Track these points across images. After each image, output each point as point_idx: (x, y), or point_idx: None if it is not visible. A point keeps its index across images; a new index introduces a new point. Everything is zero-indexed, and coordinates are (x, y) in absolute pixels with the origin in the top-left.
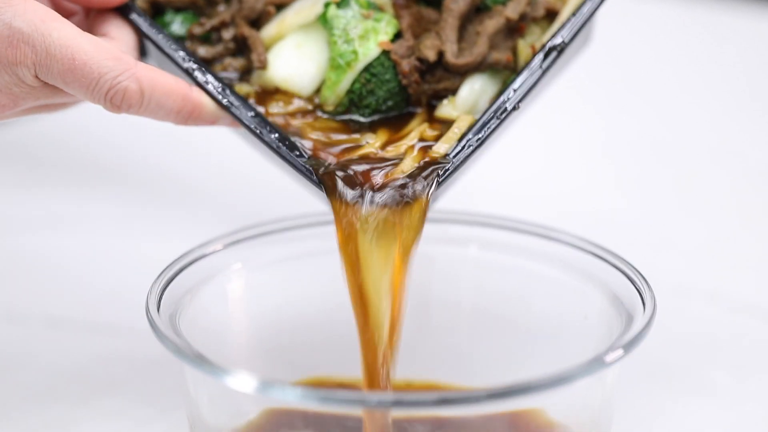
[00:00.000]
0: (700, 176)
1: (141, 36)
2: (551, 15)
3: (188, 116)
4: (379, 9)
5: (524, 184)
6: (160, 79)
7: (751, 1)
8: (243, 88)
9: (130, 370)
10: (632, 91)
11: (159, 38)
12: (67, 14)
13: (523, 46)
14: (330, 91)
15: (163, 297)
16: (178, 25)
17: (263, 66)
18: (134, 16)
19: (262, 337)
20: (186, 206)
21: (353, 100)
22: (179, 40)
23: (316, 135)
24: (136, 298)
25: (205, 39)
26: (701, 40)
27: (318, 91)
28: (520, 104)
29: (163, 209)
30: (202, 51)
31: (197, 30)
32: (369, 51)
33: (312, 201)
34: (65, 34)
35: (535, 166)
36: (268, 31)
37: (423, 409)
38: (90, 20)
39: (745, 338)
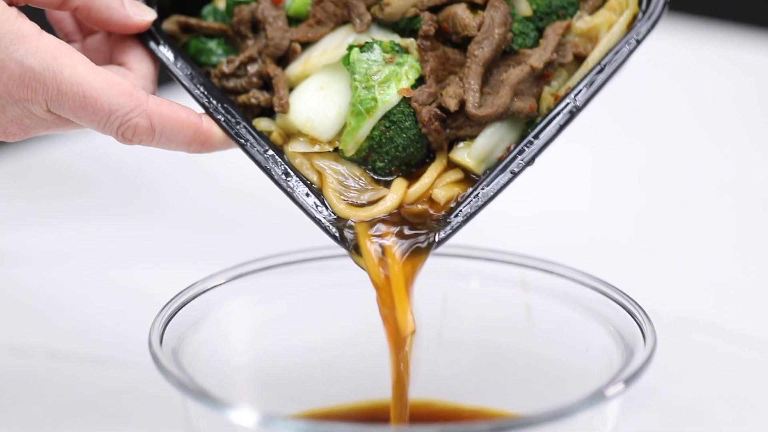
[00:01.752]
0: (701, 208)
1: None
2: (579, 58)
3: (200, 147)
4: (404, 50)
5: (526, 213)
6: (171, 114)
7: (763, 35)
8: (262, 123)
9: (133, 403)
10: (638, 123)
11: (177, 70)
12: (89, 32)
13: (546, 93)
14: (350, 137)
15: (166, 330)
16: (213, 44)
17: (284, 110)
18: (153, 46)
19: (265, 370)
20: (189, 240)
21: (373, 146)
22: (199, 66)
23: (334, 184)
24: (139, 332)
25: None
26: (715, 72)
27: (340, 133)
28: (534, 160)
29: (166, 242)
30: (226, 81)
31: (226, 68)
32: (389, 98)
33: (315, 235)
34: (77, 72)
35: (537, 197)
36: (294, 69)
37: None
38: (111, 43)
39: (745, 371)
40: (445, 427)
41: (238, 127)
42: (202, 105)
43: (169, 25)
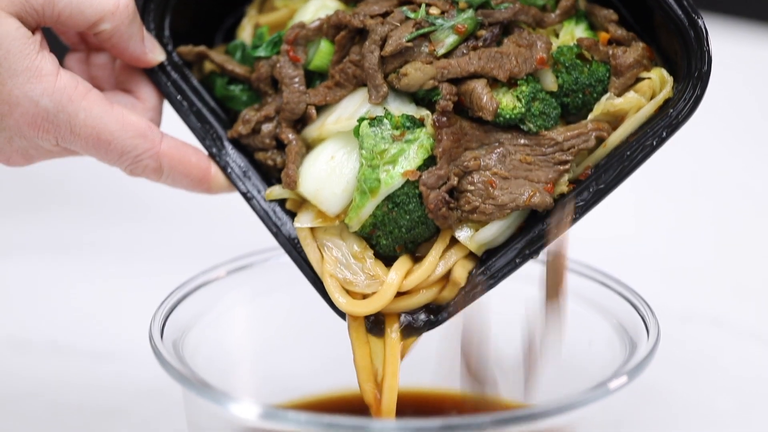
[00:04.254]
0: (706, 204)
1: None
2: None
3: (204, 191)
4: (420, 121)
5: None
6: (182, 158)
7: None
8: (275, 191)
9: (134, 397)
10: None
11: (189, 120)
12: (94, 48)
13: (563, 181)
14: (354, 213)
15: (167, 324)
16: (238, 91)
17: (291, 187)
18: (170, 91)
19: (265, 362)
20: (190, 233)
21: (376, 224)
22: (226, 111)
23: (332, 267)
24: (139, 325)
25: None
26: (728, 69)
27: (348, 206)
28: (539, 252)
29: (167, 236)
30: (244, 138)
31: (242, 130)
32: (392, 180)
33: None
34: (92, 114)
35: None
36: (310, 132)
37: None
38: (118, 66)
39: (749, 365)
40: (449, 420)
41: (244, 180)
42: (211, 154)
43: (190, 53)
